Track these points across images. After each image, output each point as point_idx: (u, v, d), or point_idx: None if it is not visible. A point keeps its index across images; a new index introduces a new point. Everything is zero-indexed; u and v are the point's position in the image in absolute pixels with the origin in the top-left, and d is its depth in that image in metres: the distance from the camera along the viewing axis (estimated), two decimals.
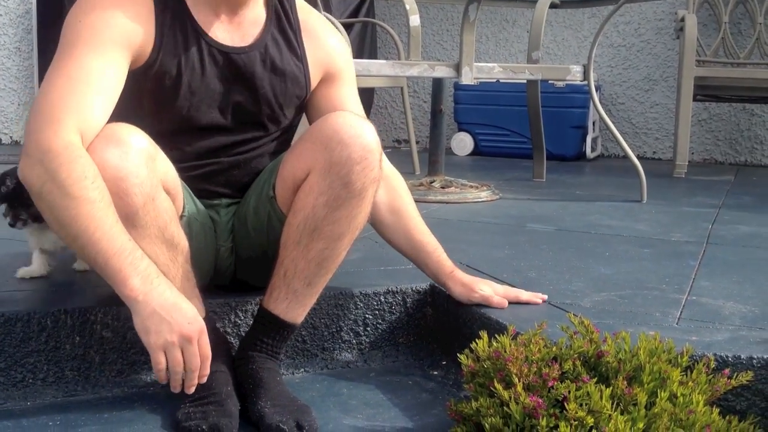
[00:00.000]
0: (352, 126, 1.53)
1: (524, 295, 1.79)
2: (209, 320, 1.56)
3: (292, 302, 1.58)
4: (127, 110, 1.51)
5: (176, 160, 1.57)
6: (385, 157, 1.68)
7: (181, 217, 1.58)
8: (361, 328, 1.85)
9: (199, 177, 1.67)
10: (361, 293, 1.85)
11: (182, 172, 1.61)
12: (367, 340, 1.86)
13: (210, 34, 1.62)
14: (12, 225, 1.74)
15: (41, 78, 5.16)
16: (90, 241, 1.35)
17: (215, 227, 1.73)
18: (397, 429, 1.50)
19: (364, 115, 1.73)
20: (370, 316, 1.86)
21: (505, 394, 1.31)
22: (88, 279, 1.85)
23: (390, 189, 1.77)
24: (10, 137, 5.07)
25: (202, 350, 1.37)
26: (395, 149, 5.59)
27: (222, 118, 1.66)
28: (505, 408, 1.31)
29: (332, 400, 1.63)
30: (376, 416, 1.55)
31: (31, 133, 1.40)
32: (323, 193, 1.52)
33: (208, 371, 1.39)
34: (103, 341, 1.66)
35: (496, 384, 1.33)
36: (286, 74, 1.68)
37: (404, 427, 1.51)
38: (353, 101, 1.78)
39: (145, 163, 1.43)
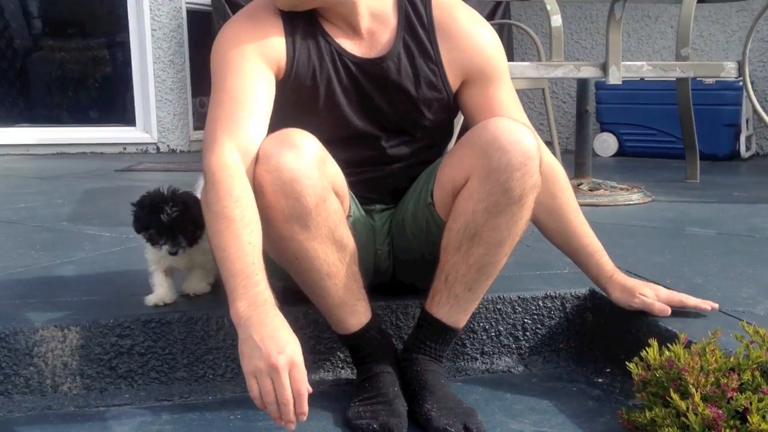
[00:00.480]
0: (512, 132, 1.51)
1: (691, 300, 1.70)
2: (375, 320, 1.62)
3: (454, 306, 1.61)
4: (276, 123, 1.57)
5: None
6: (546, 149, 1.66)
7: (347, 218, 1.63)
8: (521, 333, 1.86)
9: (353, 185, 1.71)
10: (519, 297, 1.85)
11: None
12: (527, 345, 1.86)
13: (342, 47, 1.66)
14: (173, 253, 1.70)
15: (194, 89, 5.46)
16: (220, 258, 1.41)
17: (373, 232, 1.78)
18: None
19: (523, 113, 1.71)
20: (529, 321, 1.86)
21: (682, 405, 1.29)
22: None
23: (547, 189, 1.68)
24: (167, 146, 5.37)
25: (295, 385, 1.30)
26: None
27: (365, 128, 1.69)
28: (682, 419, 1.29)
29: (496, 404, 1.65)
30: (542, 422, 1.56)
31: (202, 157, 1.51)
32: (483, 200, 1.52)
33: (305, 409, 1.32)
34: None
35: (672, 394, 1.31)
36: (420, 80, 1.69)
37: None
38: (506, 98, 1.71)
39: (317, 165, 1.49)
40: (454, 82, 1.70)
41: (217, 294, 1.87)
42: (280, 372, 1.29)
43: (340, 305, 1.56)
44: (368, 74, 1.66)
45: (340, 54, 1.65)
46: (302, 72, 1.63)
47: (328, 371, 1.77)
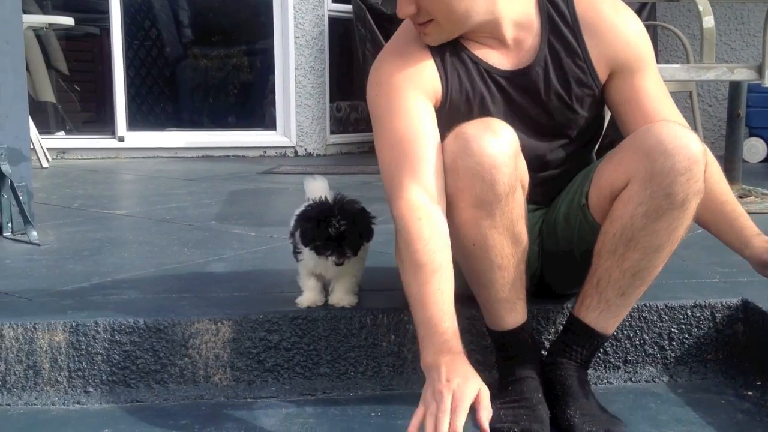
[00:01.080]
0: (677, 136, 1.48)
1: None
2: (529, 323, 1.62)
3: (604, 312, 1.58)
4: None
5: None
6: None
7: None
8: (666, 342, 1.80)
9: None
10: (666, 306, 1.80)
11: None
12: (673, 354, 1.81)
13: (490, 63, 1.65)
14: (339, 264, 1.71)
15: (332, 94, 5.61)
16: (411, 304, 1.45)
17: None
18: None
19: (672, 104, 1.67)
20: (676, 330, 1.80)
21: None
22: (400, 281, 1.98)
23: None
24: (305, 149, 5.54)
25: (453, 419, 1.29)
26: None
27: (522, 141, 1.64)
28: None
29: (640, 414, 1.61)
30: None
31: (389, 203, 1.54)
32: (642, 204, 1.49)
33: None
34: (415, 341, 1.77)
35: None
36: (570, 80, 1.67)
37: None
38: (653, 88, 1.68)
39: (514, 156, 1.49)
40: (602, 76, 1.68)
41: (361, 296, 1.92)
42: (445, 402, 1.30)
43: (502, 300, 1.57)
44: (519, 86, 1.66)
45: (489, 71, 1.66)
46: (456, 97, 1.64)
47: None
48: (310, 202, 1.74)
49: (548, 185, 1.75)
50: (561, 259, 1.75)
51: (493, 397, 1.58)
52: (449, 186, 1.50)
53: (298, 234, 1.74)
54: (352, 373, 1.77)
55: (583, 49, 1.66)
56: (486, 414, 1.32)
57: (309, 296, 1.81)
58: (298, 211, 1.77)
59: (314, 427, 1.57)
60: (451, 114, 1.63)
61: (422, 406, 1.34)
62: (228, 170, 4.60)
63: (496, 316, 1.60)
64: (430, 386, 1.35)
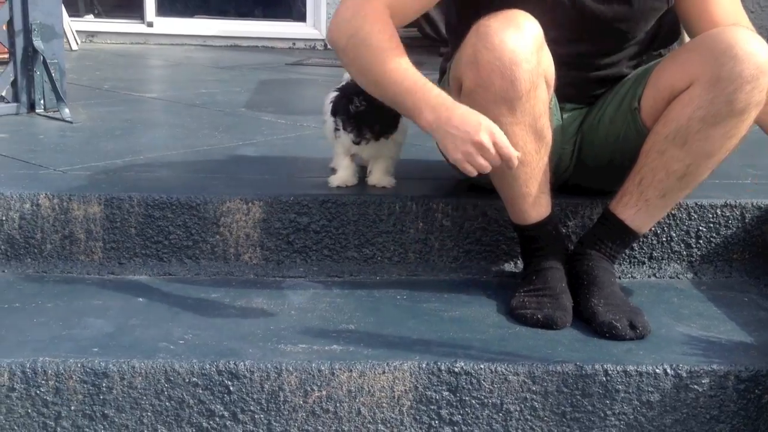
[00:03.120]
0: (749, 42, 1.45)
1: None
2: (554, 216, 1.62)
3: (642, 210, 1.59)
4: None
5: None
6: None
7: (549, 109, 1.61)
8: (693, 240, 1.81)
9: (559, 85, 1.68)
10: (696, 204, 1.79)
11: None
12: (699, 253, 1.81)
13: None
14: (356, 143, 1.76)
15: None
16: (384, 84, 1.48)
17: (557, 131, 1.75)
18: (734, 342, 1.47)
19: (745, 16, 1.64)
20: (704, 229, 1.80)
21: None
22: (430, 170, 1.99)
23: None
24: (324, 44, 5.47)
25: (501, 151, 1.40)
26: None
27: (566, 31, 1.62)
28: None
29: (662, 307, 1.63)
30: (710, 327, 1.53)
31: (345, 2, 1.54)
32: (702, 107, 1.48)
33: (514, 155, 1.41)
34: (442, 229, 1.80)
35: None
36: None
37: (742, 341, 1.48)
38: None
39: (537, 50, 1.47)
40: None
41: None
42: (485, 146, 1.39)
43: (526, 195, 1.57)
44: None
45: None
46: None
47: (492, 262, 1.81)
48: (346, 82, 1.75)
49: (594, 86, 1.72)
50: (599, 161, 1.75)
51: (518, 286, 1.63)
52: (470, 80, 1.48)
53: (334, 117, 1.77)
54: (379, 258, 1.80)
55: None
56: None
57: (342, 175, 1.85)
58: (331, 93, 1.79)
59: (341, 306, 1.61)
60: None
61: (465, 162, 1.41)
62: (257, 60, 4.55)
63: (521, 210, 1.60)
64: (449, 136, 1.42)
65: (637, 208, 1.59)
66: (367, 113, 1.70)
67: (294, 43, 5.44)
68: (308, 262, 1.78)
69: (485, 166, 1.41)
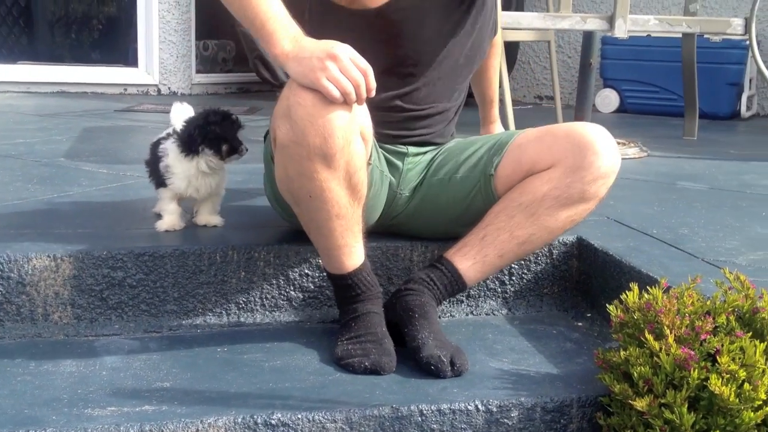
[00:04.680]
0: (610, 144, 1.65)
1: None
2: (367, 263, 1.64)
3: (478, 264, 1.67)
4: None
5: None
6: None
7: (368, 164, 1.64)
8: (507, 278, 1.89)
9: (389, 123, 1.74)
10: None
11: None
12: (512, 289, 1.89)
13: None
14: (221, 160, 1.81)
15: (198, 32, 5.42)
16: (248, 10, 1.48)
17: (394, 174, 1.79)
18: (542, 374, 1.54)
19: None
20: (516, 266, 1.89)
21: (656, 345, 1.32)
22: (253, 219, 1.98)
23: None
24: (169, 88, 5.36)
25: (358, 63, 1.42)
26: (537, 106, 5.52)
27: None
28: (654, 358, 1.32)
29: (478, 343, 1.69)
30: (521, 361, 1.60)
31: None
32: (558, 188, 1.64)
33: (373, 84, 1.44)
34: (265, 277, 1.78)
35: (646, 334, 1.34)
36: None
37: (549, 373, 1.55)
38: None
39: (350, 107, 1.48)
40: None
41: (209, 231, 1.90)
42: (338, 57, 1.41)
43: (342, 246, 1.58)
44: None
45: None
46: None
47: (316, 308, 1.81)
48: (171, 130, 1.82)
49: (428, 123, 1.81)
50: (436, 214, 1.81)
51: (339, 334, 1.63)
52: (283, 134, 1.48)
53: (165, 161, 1.81)
54: (200, 310, 1.76)
55: None
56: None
57: (169, 220, 1.85)
58: (156, 139, 1.83)
59: (158, 363, 1.56)
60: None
61: (323, 79, 1.42)
62: (84, 107, 4.40)
63: (337, 261, 1.61)
64: (305, 61, 1.43)
65: (474, 261, 1.67)
66: (220, 134, 1.78)
67: (125, 89, 5.29)
68: (124, 318, 1.72)
69: (343, 81, 1.41)
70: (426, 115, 1.79)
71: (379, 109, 1.65)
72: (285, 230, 1.86)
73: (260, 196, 2.06)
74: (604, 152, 1.63)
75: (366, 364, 1.53)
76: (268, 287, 1.79)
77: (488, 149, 1.77)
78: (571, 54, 5.58)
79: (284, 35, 1.47)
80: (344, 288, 1.64)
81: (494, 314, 1.87)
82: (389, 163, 1.78)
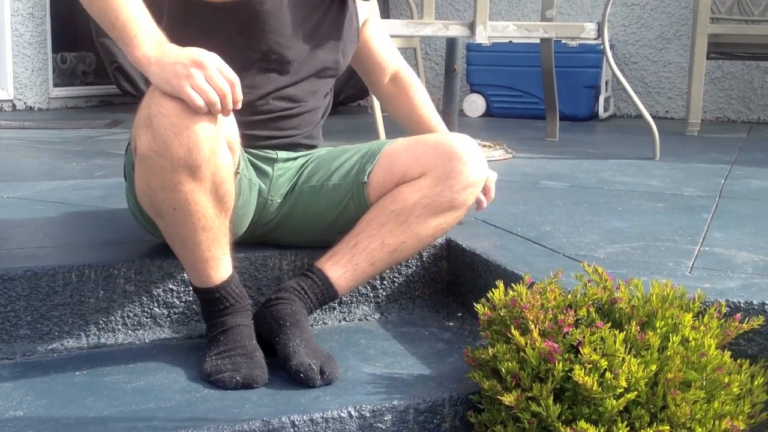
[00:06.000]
0: (478, 154, 1.72)
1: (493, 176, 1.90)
2: (235, 275, 1.59)
3: (349, 272, 1.66)
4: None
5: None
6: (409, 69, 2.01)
7: (236, 174, 1.60)
8: (378, 282, 1.88)
9: (260, 123, 1.72)
10: None
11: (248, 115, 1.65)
12: (384, 293, 1.89)
13: None
14: None
15: (54, 44, 5.18)
16: (107, 10, 1.41)
17: (264, 181, 1.75)
18: (414, 376, 1.54)
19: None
20: (388, 270, 1.88)
21: (522, 340, 1.35)
22: (113, 235, 1.89)
23: (402, 76, 2.00)
24: (24, 103, 5.10)
25: (225, 74, 1.38)
26: None
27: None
28: (521, 353, 1.34)
29: (351, 350, 1.67)
30: (393, 364, 1.59)
31: None
32: (428, 197, 1.68)
33: (239, 95, 1.40)
34: (126, 295, 1.70)
35: (512, 330, 1.36)
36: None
37: (421, 374, 1.55)
38: (385, 35, 1.98)
39: (216, 117, 1.43)
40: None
41: (64, 249, 1.81)
42: (205, 65, 1.36)
43: (209, 259, 1.53)
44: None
45: None
46: None
47: (182, 324, 1.74)
48: None
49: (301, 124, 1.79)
50: (308, 222, 1.79)
51: (206, 349, 1.57)
52: (144, 145, 1.41)
53: None
54: (56, 333, 1.66)
55: None
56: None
57: None
58: None
59: (10, 392, 1.46)
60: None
61: (187, 87, 1.36)
62: None
63: (203, 275, 1.55)
64: (168, 66, 1.37)
65: (345, 269, 1.66)
66: None
67: None
68: None
69: (209, 91, 1.36)
70: (295, 114, 1.77)
71: (248, 108, 1.61)
72: (148, 245, 1.79)
73: (121, 211, 1.97)
74: (472, 162, 1.69)
75: (238, 378, 1.48)
76: (130, 305, 1.71)
77: (360, 157, 1.78)
78: (438, 61, 5.68)
79: (147, 38, 1.40)
80: (212, 302, 1.58)
81: (367, 319, 1.86)
82: (258, 169, 1.75)
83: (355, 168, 1.76)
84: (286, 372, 1.50)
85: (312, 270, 1.68)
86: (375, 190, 1.73)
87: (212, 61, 1.38)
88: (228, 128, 1.49)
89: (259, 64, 1.69)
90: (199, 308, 1.69)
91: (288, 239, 1.83)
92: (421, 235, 1.70)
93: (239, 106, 1.42)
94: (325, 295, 1.67)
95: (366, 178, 1.73)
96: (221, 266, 1.56)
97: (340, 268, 1.67)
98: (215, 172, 1.45)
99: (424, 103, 2.00)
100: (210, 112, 1.39)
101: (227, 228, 1.55)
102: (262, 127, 1.73)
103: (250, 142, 1.69)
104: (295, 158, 1.80)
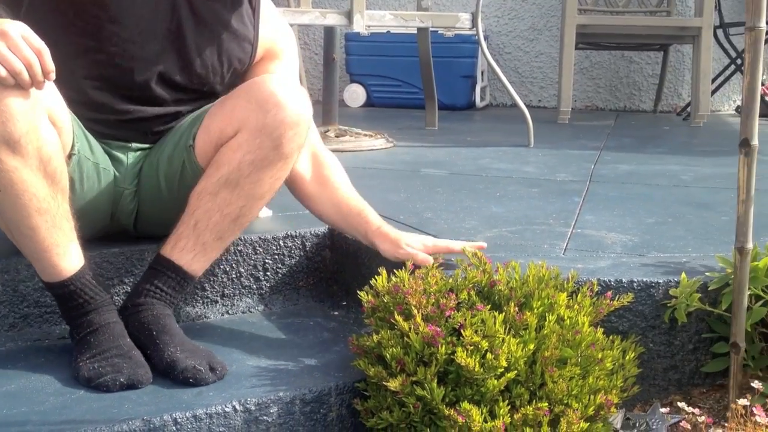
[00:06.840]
0: (289, 91, 1.55)
1: (457, 246, 1.65)
2: (89, 265, 1.51)
3: (199, 254, 1.58)
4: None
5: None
6: (316, 132, 1.73)
7: (71, 155, 1.53)
8: (261, 273, 1.86)
9: (111, 124, 1.65)
10: (260, 238, 1.85)
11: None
12: (268, 285, 1.87)
13: None
14: None
15: None
16: None
17: (119, 169, 1.68)
18: (300, 367, 1.53)
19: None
20: (270, 261, 1.87)
21: (405, 326, 1.36)
22: None
23: (317, 161, 1.75)
24: None
25: (31, 42, 1.31)
26: None
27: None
28: (405, 339, 1.36)
29: (235, 343, 1.64)
30: (279, 356, 1.58)
31: None
32: (251, 152, 1.54)
33: (50, 65, 1.33)
34: None
35: (396, 316, 1.38)
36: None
37: (307, 364, 1.54)
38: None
39: (32, 90, 1.36)
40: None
41: None
42: (10, 35, 1.29)
43: (51, 247, 1.44)
44: None
45: None
46: None
47: (55, 324, 1.67)
48: None
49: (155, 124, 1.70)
50: (158, 202, 1.70)
51: (77, 353, 1.48)
52: None
53: None
54: None
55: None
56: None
57: None
58: None
59: None
60: None
61: None
62: None
63: (51, 265, 1.46)
64: None
65: (195, 252, 1.57)
66: None
67: None
68: None
69: (12, 59, 1.29)
70: (157, 115, 1.69)
71: (99, 110, 1.59)
72: (8, 243, 1.69)
73: None
74: (285, 102, 1.53)
75: (121, 380, 1.42)
76: None
77: (191, 121, 1.68)
78: (317, 51, 5.66)
79: None
80: (67, 298, 1.49)
81: (251, 312, 1.84)
82: (113, 157, 1.68)
83: (185, 133, 1.66)
84: (172, 381, 1.44)
85: (161, 263, 1.58)
86: (201, 155, 1.62)
87: (17, 29, 1.30)
88: (49, 102, 1.43)
89: (115, 58, 1.60)
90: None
91: (159, 227, 1.71)
92: (258, 193, 1.57)
93: (52, 77, 1.35)
94: (182, 284, 1.58)
95: (192, 140, 1.63)
96: (68, 255, 1.46)
97: (189, 252, 1.57)
98: (39, 148, 1.38)
99: (341, 186, 1.77)
100: (19, 84, 1.32)
101: (68, 212, 1.46)
102: (113, 126, 1.66)
103: (104, 136, 1.64)
104: (148, 147, 1.72)
